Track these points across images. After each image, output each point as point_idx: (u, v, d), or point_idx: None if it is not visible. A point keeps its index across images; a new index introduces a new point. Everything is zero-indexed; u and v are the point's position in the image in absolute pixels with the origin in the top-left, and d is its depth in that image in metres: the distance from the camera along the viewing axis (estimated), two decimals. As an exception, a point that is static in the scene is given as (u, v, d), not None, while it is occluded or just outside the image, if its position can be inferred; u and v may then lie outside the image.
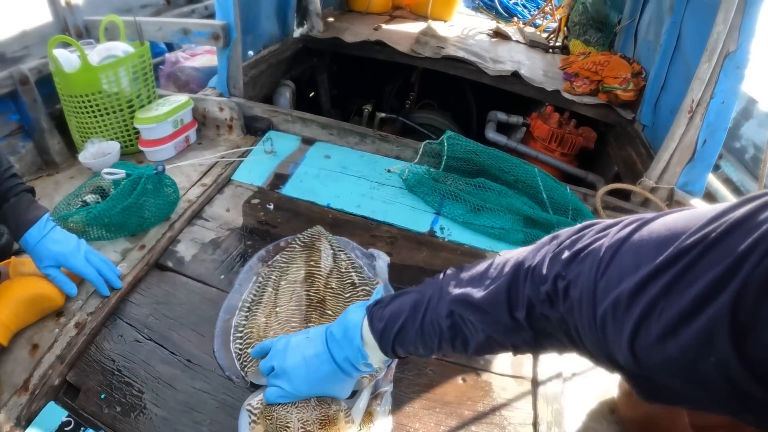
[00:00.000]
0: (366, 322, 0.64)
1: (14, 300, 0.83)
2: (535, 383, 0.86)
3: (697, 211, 0.35)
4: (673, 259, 0.32)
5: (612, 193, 1.40)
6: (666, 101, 1.75)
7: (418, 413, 0.79)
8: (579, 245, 0.41)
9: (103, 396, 0.76)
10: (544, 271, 0.43)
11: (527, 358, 0.91)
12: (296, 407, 0.70)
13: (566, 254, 0.41)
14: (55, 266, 0.87)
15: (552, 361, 0.89)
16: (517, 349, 0.53)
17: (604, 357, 0.38)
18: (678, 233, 0.33)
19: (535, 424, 0.80)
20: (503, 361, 0.90)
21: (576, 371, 0.89)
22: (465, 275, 0.55)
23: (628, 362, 0.35)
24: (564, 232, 0.46)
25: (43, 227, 0.86)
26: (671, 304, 0.31)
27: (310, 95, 2.57)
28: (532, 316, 0.44)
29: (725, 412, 0.34)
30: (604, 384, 0.86)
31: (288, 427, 0.66)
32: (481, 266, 0.54)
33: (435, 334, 0.57)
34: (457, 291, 0.53)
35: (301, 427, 0.67)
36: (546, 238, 0.48)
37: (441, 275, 0.61)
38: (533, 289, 0.43)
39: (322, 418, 0.69)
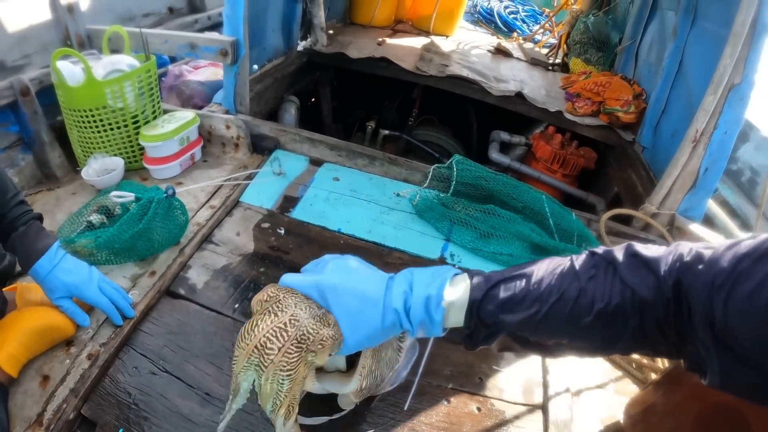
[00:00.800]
0: (466, 279, 0.61)
1: (23, 331, 0.81)
2: (545, 410, 0.88)
3: None
4: (753, 250, 0.47)
5: (613, 217, 1.42)
6: (667, 124, 1.78)
7: (437, 449, 0.79)
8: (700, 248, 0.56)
9: (120, 431, 0.75)
10: (684, 253, 0.56)
11: (537, 385, 0.93)
12: (303, 302, 0.62)
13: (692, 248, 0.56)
14: (67, 297, 0.85)
15: (560, 384, 0.92)
16: (643, 323, 0.55)
17: (706, 324, 0.49)
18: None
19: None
20: (515, 388, 0.92)
21: (582, 389, 0.93)
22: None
23: (721, 322, 0.46)
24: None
25: (53, 257, 0.84)
26: (750, 277, 0.45)
27: (310, 102, 2.55)
28: (672, 276, 0.54)
29: None
30: (609, 408, 0.90)
31: (263, 318, 0.61)
32: None
33: (565, 282, 0.57)
34: (622, 245, 0.60)
35: (275, 327, 0.60)
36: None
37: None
38: (677, 259, 0.55)
39: (308, 332, 0.60)
